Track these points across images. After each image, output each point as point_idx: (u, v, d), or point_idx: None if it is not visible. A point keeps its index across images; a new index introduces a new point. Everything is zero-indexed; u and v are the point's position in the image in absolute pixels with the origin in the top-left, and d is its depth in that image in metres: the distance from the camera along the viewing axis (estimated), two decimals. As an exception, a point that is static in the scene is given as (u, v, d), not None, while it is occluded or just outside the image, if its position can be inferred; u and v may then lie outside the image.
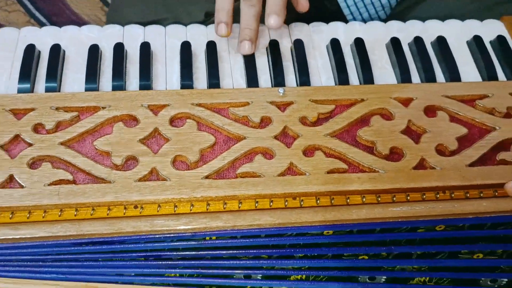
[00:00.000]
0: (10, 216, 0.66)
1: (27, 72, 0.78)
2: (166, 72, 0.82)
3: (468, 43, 0.88)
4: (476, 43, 0.86)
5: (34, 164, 0.69)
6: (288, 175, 0.70)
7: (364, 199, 0.69)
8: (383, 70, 0.84)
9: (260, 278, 0.64)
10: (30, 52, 0.80)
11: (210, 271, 0.64)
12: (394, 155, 0.73)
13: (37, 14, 1.56)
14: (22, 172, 0.68)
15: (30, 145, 0.70)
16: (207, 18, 0.99)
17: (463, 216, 0.68)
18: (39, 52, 0.82)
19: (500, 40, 0.87)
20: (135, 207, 0.67)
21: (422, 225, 0.67)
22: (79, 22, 1.41)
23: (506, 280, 0.65)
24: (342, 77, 0.81)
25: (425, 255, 0.66)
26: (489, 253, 0.66)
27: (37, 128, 0.72)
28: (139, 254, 0.65)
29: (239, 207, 0.68)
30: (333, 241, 0.66)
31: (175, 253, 0.65)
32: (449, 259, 0.66)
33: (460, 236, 0.67)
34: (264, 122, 0.74)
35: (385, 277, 0.64)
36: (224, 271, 0.64)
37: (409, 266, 0.65)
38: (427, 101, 0.77)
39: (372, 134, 0.74)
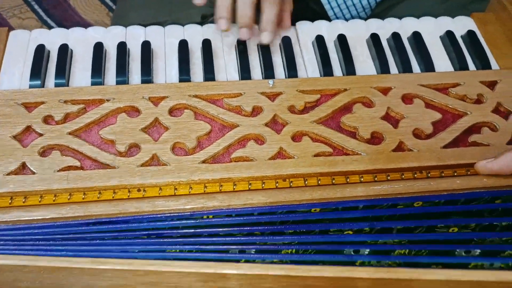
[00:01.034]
0: (23, 200, 0.64)
1: (37, 70, 0.77)
2: (166, 68, 0.80)
3: (441, 37, 0.86)
4: (448, 38, 0.85)
5: (44, 152, 0.68)
6: (278, 159, 0.69)
7: (348, 179, 0.68)
8: (364, 64, 0.82)
9: (253, 252, 0.63)
10: (40, 52, 0.79)
11: (208, 247, 0.63)
12: (375, 139, 0.72)
13: (49, 20, 1.54)
14: (34, 160, 0.66)
15: (40, 135, 0.69)
16: (204, 20, 0.97)
17: (438, 193, 0.67)
18: (49, 51, 0.80)
19: (470, 35, 0.86)
20: (138, 190, 0.66)
21: (401, 201, 0.66)
22: (87, 26, 1.40)
23: (479, 251, 0.63)
24: (326, 70, 0.80)
25: (404, 229, 0.64)
26: (463, 227, 0.65)
27: (47, 119, 0.70)
28: (142, 233, 0.63)
29: (233, 189, 0.66)
30: (320, 218, 0.64)
31: (175, 231, 0.63)
32: (427, 233, 0.65)
33: (436, 212, 0.65)
34: (256, 111, 0.73)
35: (368, 250, 0.63)
36: (221, 247, 0.63)
37: (390, 240, 0.64)
38: (404, 90, 0.76)
39: (354, 120, 0.72)
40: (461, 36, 0.87)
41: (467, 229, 0.65)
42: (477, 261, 0.62)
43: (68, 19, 1.55)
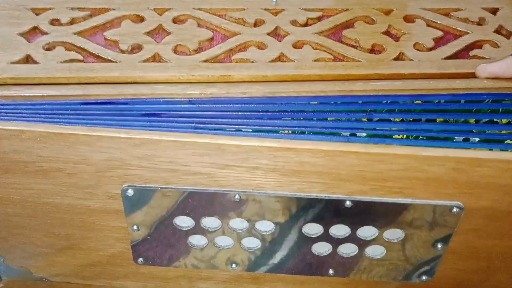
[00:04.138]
0: (26, 87, 0.69)
1: None
2: None
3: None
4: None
5: (49, 48, 0.72)
6: (278, 62, 0.73)
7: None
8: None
9: (250, 131, 0.66)
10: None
11: (205, 125, 0.66)
12: (376, 51, 0.75)
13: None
14: (38, 53, 0.71)
15: (46, 34, 0.74)
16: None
17: (438, 92, 0.70)
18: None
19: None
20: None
21: (400, 99, 0.69)
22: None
23: (478, 139, 0.66)
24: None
25: (403, 121, 0.67)
26: (463, 121, 0.68)
27: (54, 22, 0.76)
28: (140, 113, 0.66)
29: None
30: (319, 109, 0.67)
31: (173, 112, 0.66)
32: (427, 122, 0.67)
33: (436, 109, 0.68)
34: (258, 23, 0.78)
35: (365, 134, 0.66)
36: (218, 125, 0.66)
37: (388, 128, 0.66)
38: (406, 12, 0.80)
39: (355, 34, 0.77)
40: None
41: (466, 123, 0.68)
42: (476, 147, 0.64)
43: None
